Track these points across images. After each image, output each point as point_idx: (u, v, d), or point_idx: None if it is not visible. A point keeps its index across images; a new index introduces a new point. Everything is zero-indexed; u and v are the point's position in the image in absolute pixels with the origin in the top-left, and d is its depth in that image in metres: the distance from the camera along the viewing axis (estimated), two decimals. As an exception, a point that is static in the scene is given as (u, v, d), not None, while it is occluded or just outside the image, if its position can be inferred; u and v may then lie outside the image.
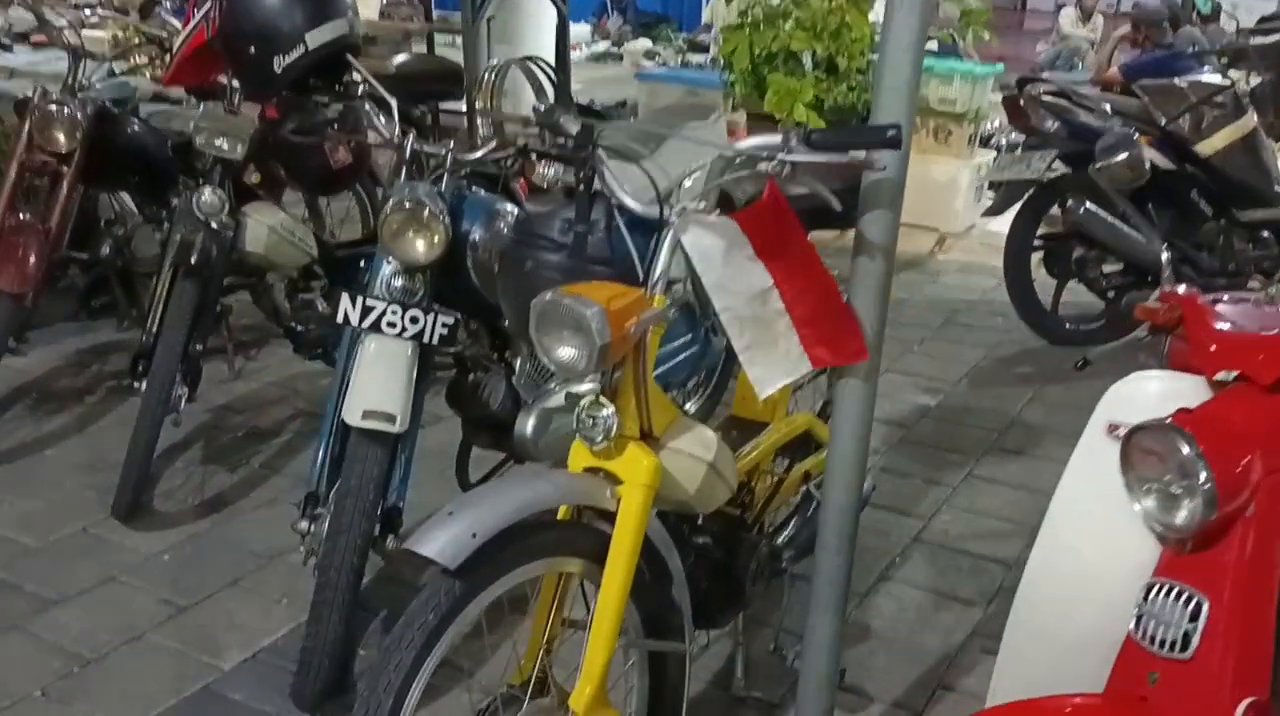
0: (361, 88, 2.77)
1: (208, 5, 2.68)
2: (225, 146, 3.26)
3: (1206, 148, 4.89)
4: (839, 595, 2.26)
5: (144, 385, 3.35)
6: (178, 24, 3.56)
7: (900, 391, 4.57)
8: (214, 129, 3.24)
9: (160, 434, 3.27)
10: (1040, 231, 5.23)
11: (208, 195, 3.29)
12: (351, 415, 2.38)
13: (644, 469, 2.01)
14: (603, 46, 14.52)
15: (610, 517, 2.03)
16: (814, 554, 2.30)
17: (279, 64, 2.70)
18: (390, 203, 2.59)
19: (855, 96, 6.81)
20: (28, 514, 3.40)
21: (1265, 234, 5.18)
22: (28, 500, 3.48)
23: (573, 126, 2.19)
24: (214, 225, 3.30)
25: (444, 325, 2.53)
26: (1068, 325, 5.21)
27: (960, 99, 6.61)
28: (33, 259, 3.54)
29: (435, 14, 8.77)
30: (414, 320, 2.52)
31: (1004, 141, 5.21)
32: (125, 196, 4.33)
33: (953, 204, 6.75)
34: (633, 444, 2.03)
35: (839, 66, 6.76)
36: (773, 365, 2.07)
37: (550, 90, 7.93)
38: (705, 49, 14.01)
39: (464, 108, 4.36)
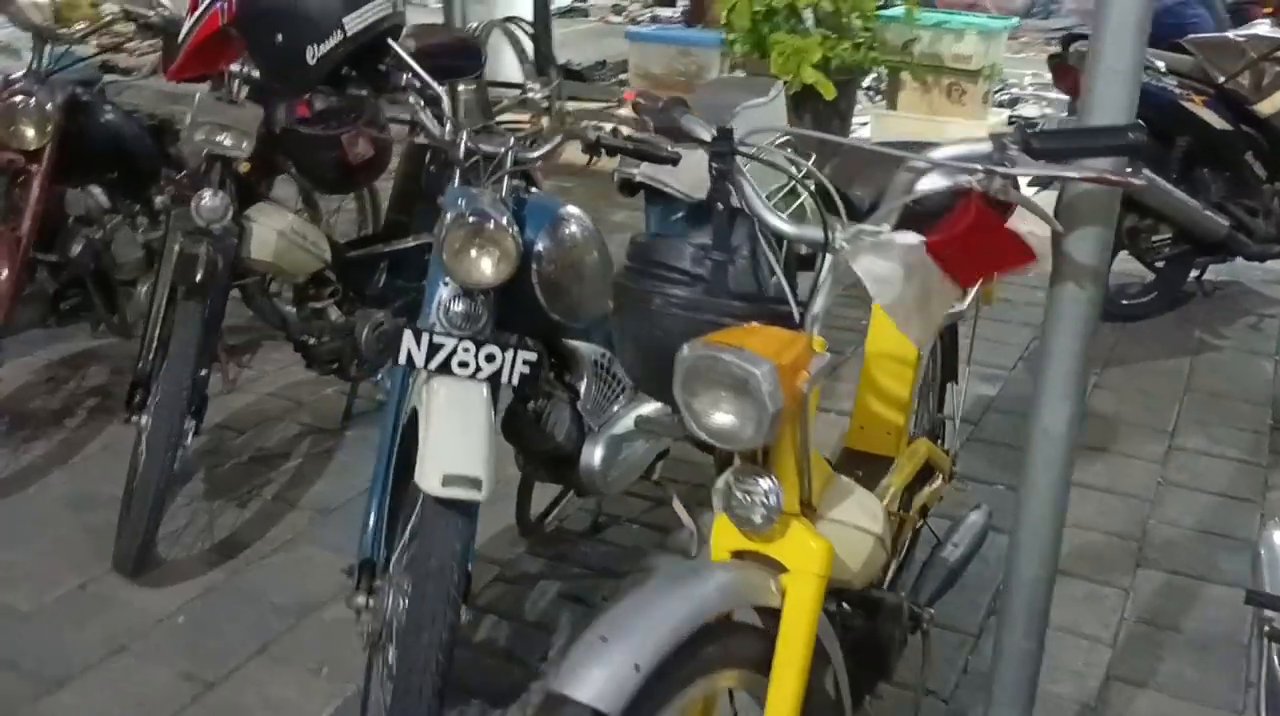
0: (405, 77, 2.33)
1: None
2: (229, 143, 2.82)
3: (1267, 106, 4.56)
4: (1027, 688, 1.90)
5: (144, 419, 2.93)
6: (168, 3, 3.09)
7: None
8: (215, 123, 2.79)
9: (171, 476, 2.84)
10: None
11: (209, 199, 2.85)
12: (429, 481, 1.98)
13: (814, 555, 1.65)
14: (567, 1, 13.98)
15: (769, 613, 1.66)
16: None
17: (313, 54, 2.27)
18: (449, 216, 2.18)
19: (862, 54, 6.43)
20: (13, 567, 2.97)
21: (1321, 196, 4.87)
22: (11, 550, 3.04)
23: (703, 130, 1.79)
24: (216, 232, 2.86)
25: (525, 363, 2.13)
26: (1122, 300, 4.88)
27: (976, 55, 6.23)
28: (4, 273, 3.08)
29: (399, -29, 8.22)
30: (490, 358, 2.12)
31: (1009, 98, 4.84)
32: (96, 190, 3.85)
33: (969, 166, 6.38)
34: (795, 522, 1.66)
35: (843, 22, 6.37)
36: (928, 315, 1.67)
37: (530, 51, 7.52)
38: (672, 2, 13.52)
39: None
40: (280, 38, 2.26)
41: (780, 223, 1.72)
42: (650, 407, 2.82)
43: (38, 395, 3.90)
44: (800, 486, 1.68)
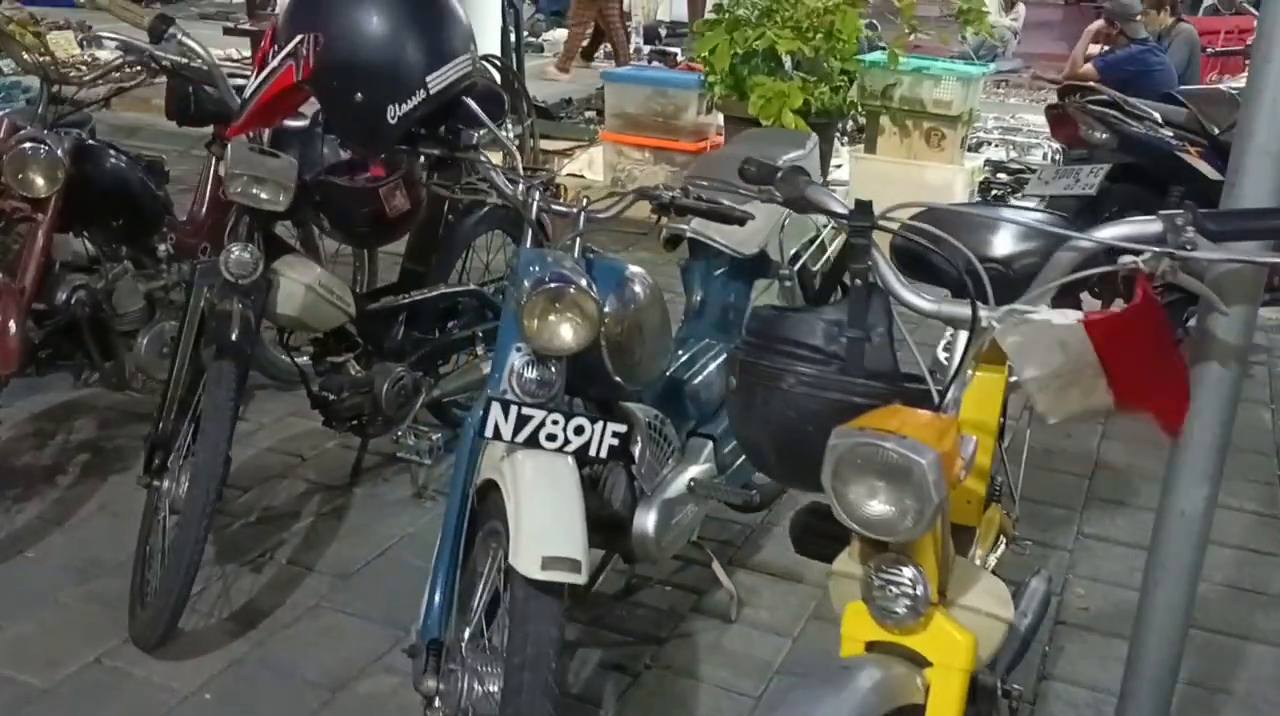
0: (477, 136, 2.24)
1: (297, 40, 2.13)
2: (266, 196, 2.69)
3: (1261, 158, 4.61)
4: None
5: (165, 483, 2.78)
6: (198, 48, 2.96)
7: (966, 431, 4.19)
8: (251, 176, 2.67)
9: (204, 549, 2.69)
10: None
11: (239, 253, 2.72)
12: (527, 564, 1.87)
13: (959, 648, 1.58)
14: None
15: (911, 710, 1.59)
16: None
17: (394, 113, 2.16)
18: (527, 282, 2.08)
19: (840, 98, 6.45)
20: (22, 641, 2.80)
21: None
22: (17, 621, 2.87)
23: (835, 203, 1.72)
24: (245, 287, 2.74)
25: (614, 435, 2.03)
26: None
27: (955, 100, 6.27)
28: (12, 329, 2.93)
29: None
30: (579, 431, 2.02)
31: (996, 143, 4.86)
32: (88, 235, 3.69)
33: (947, 210, 6.40)
34: (938, 614, 1.59)
35: (822, 67, 6.38)
36: (1067, 397, 1.62)
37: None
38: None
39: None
40: (360, 96, 2.15)
41: (919, 299, 1.66)
42: (700, 469, 2.75)
43: (25, 450, 3.72)
44: (939, 574, 1.61)
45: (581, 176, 7.45)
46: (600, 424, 2.02)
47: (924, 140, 6.43)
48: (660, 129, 6.90)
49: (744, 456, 2.94)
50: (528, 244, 2.24)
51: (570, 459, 2.05)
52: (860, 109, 6.61)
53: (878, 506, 1.48)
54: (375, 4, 2.18)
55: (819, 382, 1.63)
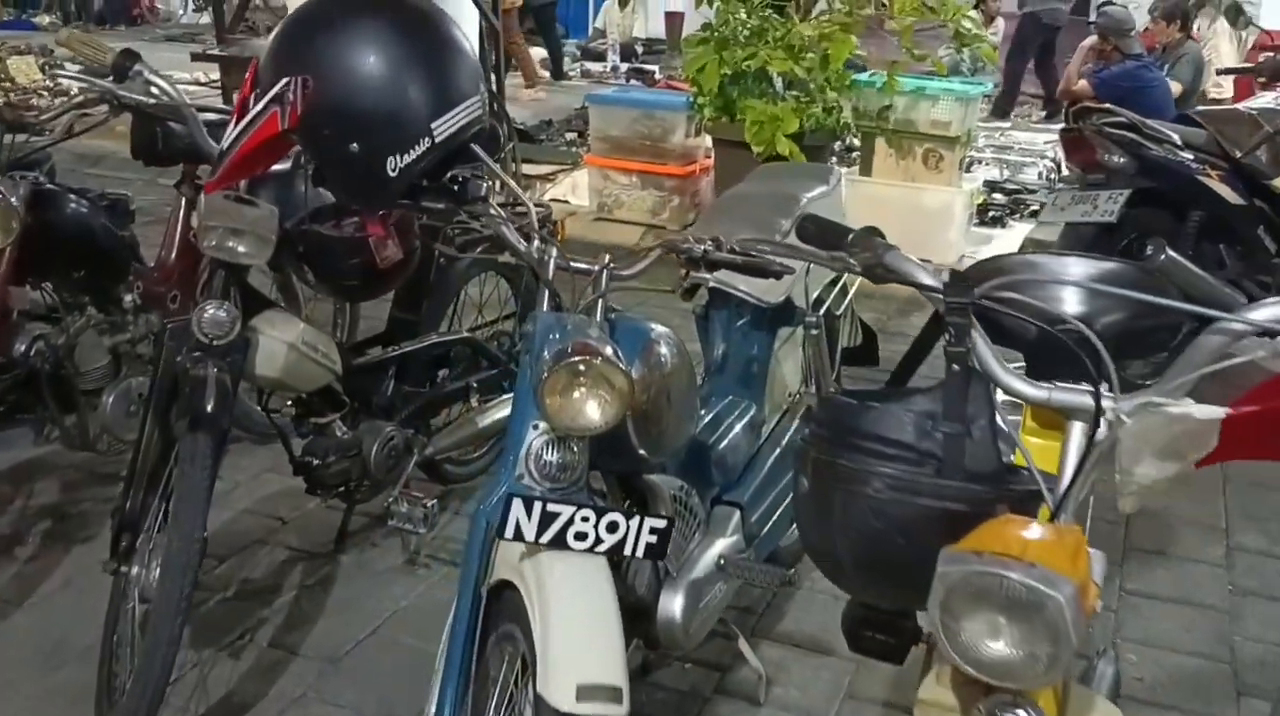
0: (485, 186, 1.97)
1: (282, 84, 1.85)
2: (244, 249, 2.42)
3: (1283, 182, 4.42)
4: None
5: (134, 568, 2.50)
6: (165, 85, 2.69)
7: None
8: (228, 228, 2.39)
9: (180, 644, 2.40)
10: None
11: (214, 311, 2.45)
12: (559, 695, 1.60)
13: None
14: (490, 55, 13.68)
15: None
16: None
17: (394, 165, 1.90)
18: (547, 353, 1.82)
19: (834, 120, 6.22)
20: (-25, 746, 2.52)
21: (1331, 271, 4.75)
22: (-29, 721, 2.58)
23: (925, 275, 1.47)
24: (222, 349, 2.46)
25: (653, 531, 1.77)
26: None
27: (953, 121, 6.05)
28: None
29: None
30: (612, 528, 1.76)
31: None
32: (48, 287, 3.41)
33: (946, 233, 6.19)
34: (1059, 760, 1.34)
35: (813, 88, 6.16)
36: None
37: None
38: (601, 57, 13.32)
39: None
40: (356, 147, 1.88)
41: (1026, 385, 1.41)
42: (728, 543, 2.50)
43: (-21, 519, 3.42)
44: (1060, 712, 1.37)
45: (566, 201, 7.20)
46: (637, 520, 1.76)
47: (921, 162, 6.21)
48: (647, 152, 6.66)
49: (771, 524, 2.70)
50: (544, 307, 1.98)
51: (602, 560, 1.79)
52: (855, 131, 6.39)
53: (1000, 648, 1.23)
54: (373, 42, 1.92)
55: (912, 487, 1.38)
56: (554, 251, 1.98)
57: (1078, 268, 1.89)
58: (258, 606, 3.05)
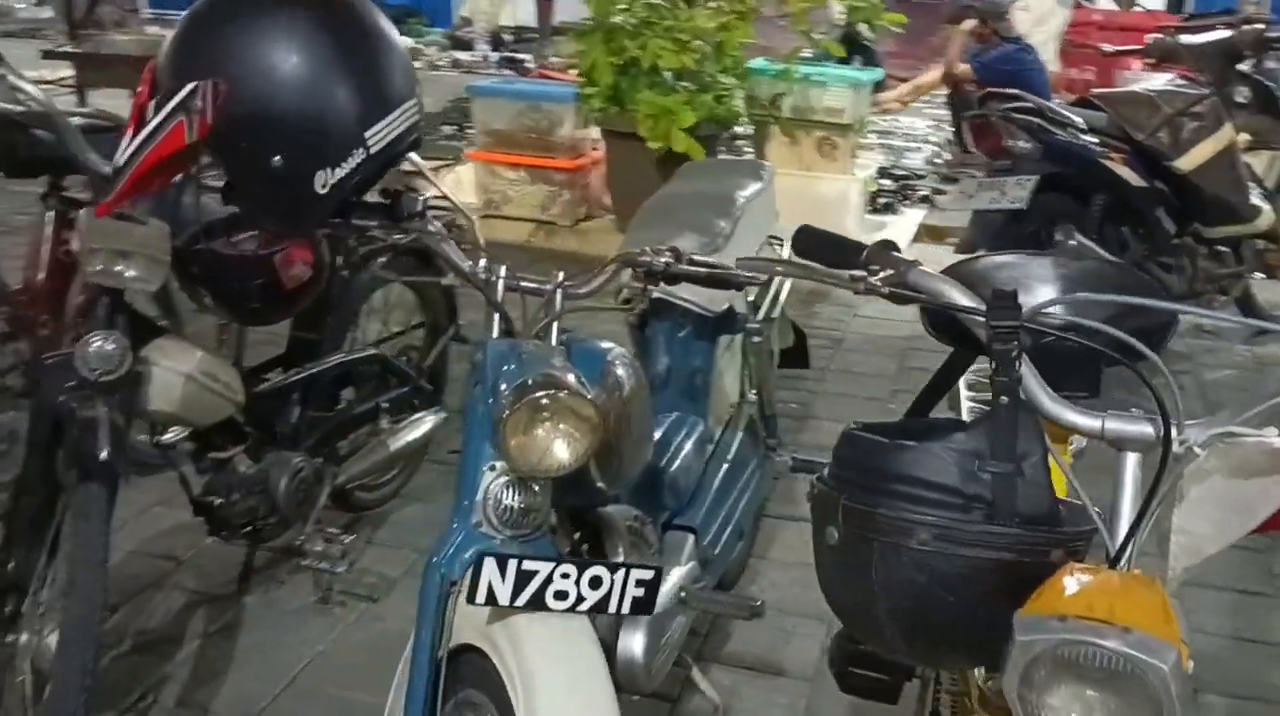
0: (421, 202, 1.74)
1: (189, 88, 1.59)
2: (135, 274, 2.15)
3: (1186, 162, 4.45)
4: None
5: (22, 637, 2.21)
6: (32, 89, 2.38)
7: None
8: (114, 250, 2.12)
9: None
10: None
11: (100, 344, 2.18)
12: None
13: None
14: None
15: None
16: None
17: (324, 181, 1.65)
18: (505, 387, 1.62)
19: (725, 108, 6.09)
20: None
21: (1223, 249, 4.81)
22: None
23: (963, 296, 1.31)
24: (110, 385, 2.19)
25: (639, 584, 1.58)
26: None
27: (847, 108, 5.98)
28: None
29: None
30: (595, 583, 1.57)
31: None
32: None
33: (843, 222, 6.11)
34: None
35: (705, 78, 6.01)
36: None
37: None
38: (469, 46, 12.99)
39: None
40: (279, 160, 1.63)
41: (1078, 416, 1.26)
42: (683, 572, 2.32)
43: None
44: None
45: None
46: (622, 573, 1.57)
47: (816, 150, 6.13)
48: (534, 146, 6.43)
49: (722, 545, 2.54)
50: (494, 334, 1.78)
51: (584, 619, 1.59)
52: (747, 119, 6.27)
53: (1090, 722, 1.08)
54: (295, 37, 1.66)
55: (960, 536, 1.22)
56: (502, 270, 1.78)
57: (1065, 269, 1.77)
58: (158, 660, 2.77)
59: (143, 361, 2.31)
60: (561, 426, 1.63)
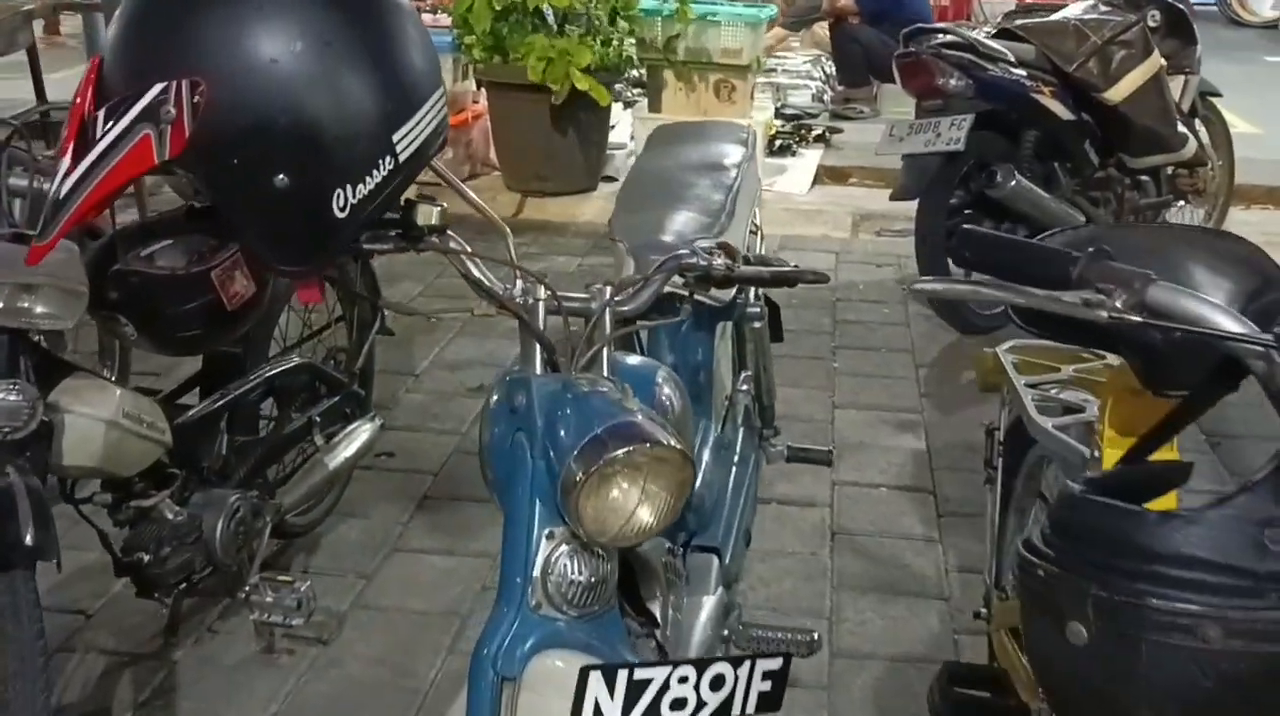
0: (438, 213, 1.37)
1: (156, 92, 1.17)
2: (44, 310, 1.73)
3: (1115, 93, 4.30)
4: None
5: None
6: None
7: (878, 435, 3.66)
8: (17, 284, 1.70)
9: None
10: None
11: (5, 393, 1.77)
12: None
13: None
14: None
15: None
16: None
17: (343, 201, 1.25)
18: (571, 441, 1.30)
19: (615, 53, 5.74)
20: None
21: (1144, 179, 4.72)
22: None
23: (1220, 316, 1.03)
24: (19, 442, 1.79)
25: (766, 676, 1.28)
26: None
27: (744, 48, 5.70)
28: None
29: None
30: (717, 684, 1.26)
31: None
32: None
33: (745, 167, 5.85)
34: None
35: (593, 22, 5.64)
36: None
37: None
38: None
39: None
40: (283, 180, 1.23)
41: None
42: (714, 601, 2.04)
43: None
44: None
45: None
46: (746, 667, 1.27)
47: (713, 93, 5.84)
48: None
49: (735, 558, 2.27)
50: (537, 368, 1.44)
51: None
52: (640, 64, 5.93)
53: None
54: (297, 19, 1.25)
55: (1260, 629, 0.96)
56: (542, 292, 1.44)
57: (1189, 244, 1.53)
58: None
59: (53, 408, 1.90)
60: (647, 485, 1.32)
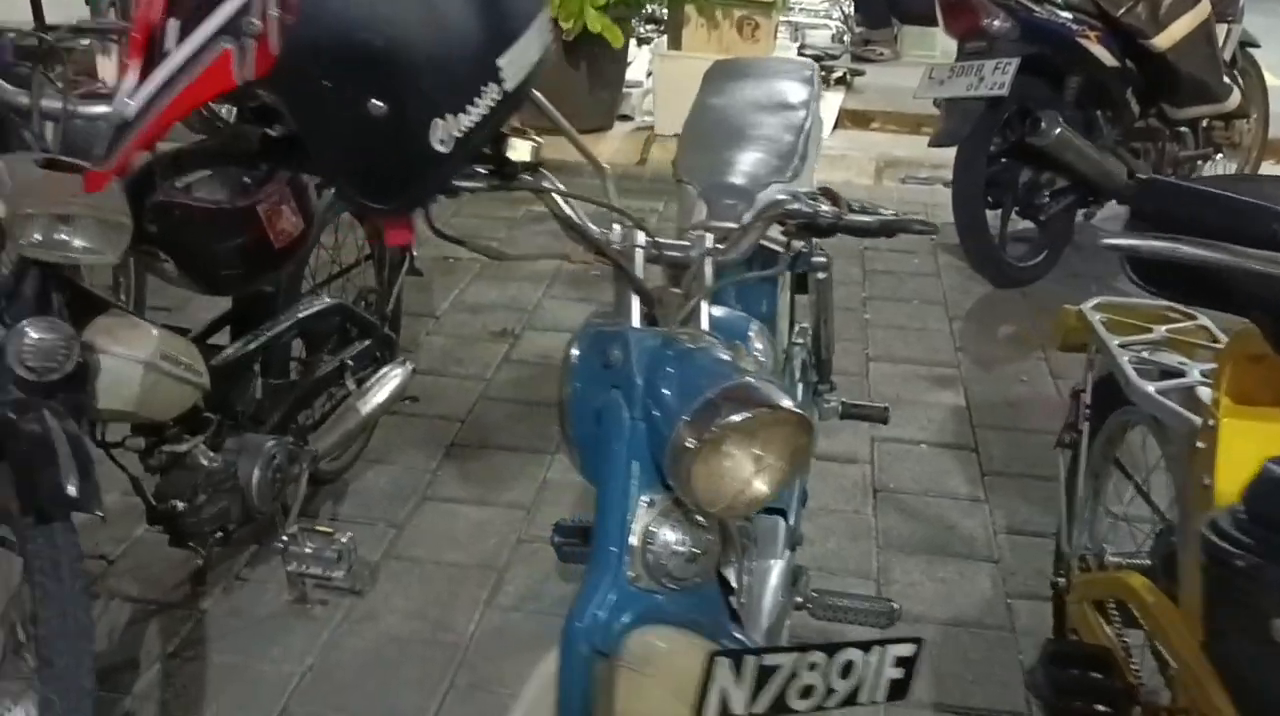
0: (534, 149, 1.24)
1: (237, 5, 1.03)
2: (85, 244, 1.61)
3: (1164, 40, 4.16)
4: None
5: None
6: None
7: (915, 390, 3.56)
8: (54, 214, 1.57)
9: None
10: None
11: (40, 334, 1.65)
12: None
13: None
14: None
15: None
16: None
17: (444, 134, 1.11)
18: (680, 402, 1.20)
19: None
20: None
21: (1184, 130, 4.59)
22: None
23: None
24: (55, 382, 1.67)
25: (899, 662, 1.18)
26: (1019, 263, 4.38)
27: (770, -16, 5.53)
28: None
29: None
30: (846, 671, 1.15)
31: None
32: None
33: (767, 110, 5.70)
34: None
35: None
36: None
37: None
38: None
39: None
40: (379, 105, 1.10)
41: None
42: (781, 566, 1.95)
43: None
44: None
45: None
46: (877, 653, 1.17)
47: (736, 31, 5.66)
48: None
49: (797, 518, 2.17)
50: (635, 321, 1.33)
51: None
52: (660, 2, 5.77)
53: None
54: None
55: None
56: (641, 237, 1.32)
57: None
58: (112, 692, 2.27)
59: (87, 349, 1.78)
60: (762, 452, 1.22)
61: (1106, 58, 4.15)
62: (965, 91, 4.01)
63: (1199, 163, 4.68)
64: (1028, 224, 4.43)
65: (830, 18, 7.58)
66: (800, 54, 6.67)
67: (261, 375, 2.36)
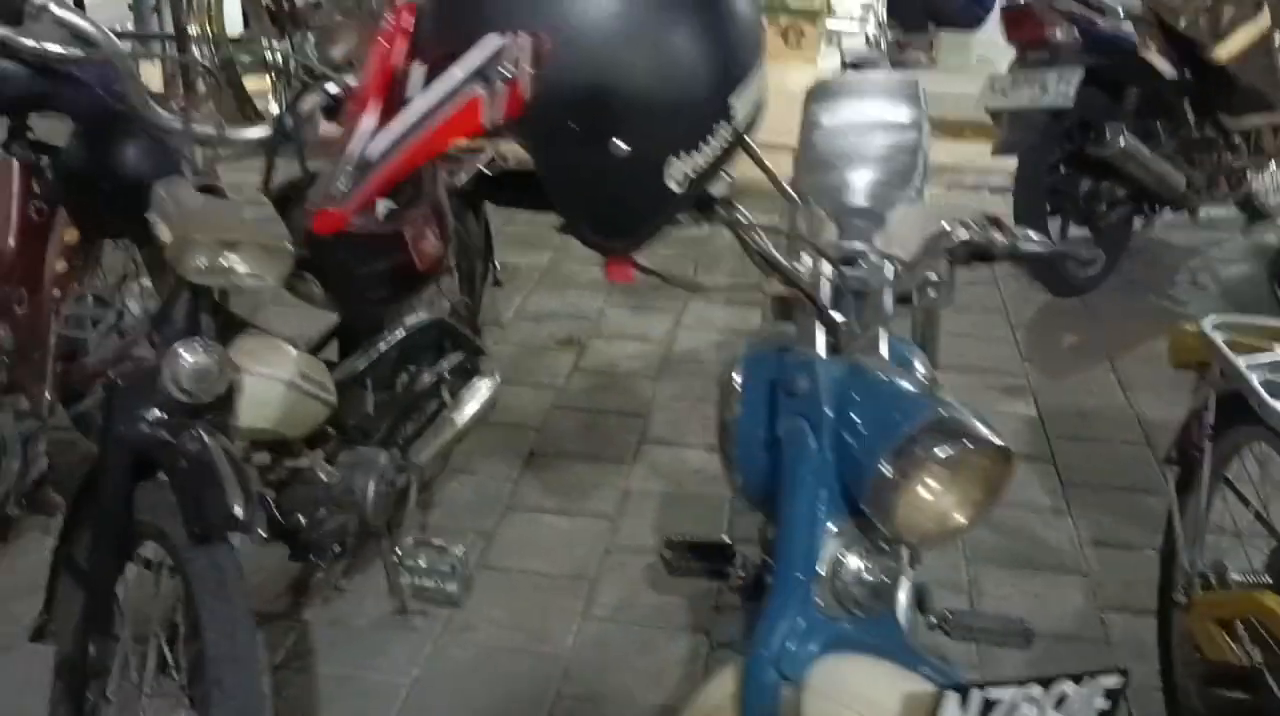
0: (729, 184, 1.26)
1: (492, 46, 1.03)
2: (248, 270, 1.63)
3: (1223, 51, 4.18)
4: None
5: None
6: (90, 28, 1.75)
7: (986, 400, 3.57)
8: (219, 239, 1.59)
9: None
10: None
11: (195, 358, 1.67)
12: None
13: None
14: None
15: None
16: None
17: (680, 173, 1.12)
18: (865, 430, 1.22)
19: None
20: None
21: (1238, 140, 4.61)
22: None
23: None
24: (206, 403, 1.70)
25: (1108, 695, 1.19)
26: (1078, 273, 4.39)
27: (817, -8, 5.55)
28: None
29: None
30: (1060, 703, 1.17)
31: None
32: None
33: (812, 117, 5.72)
34: None
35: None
36: None
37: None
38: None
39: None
40: (623, 146, 1.10)
41: None
42: (908, 587, 1.96)
43: None
44: None
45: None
46: (1089, 682, 1.19)
47: (781, 39, 5.69)
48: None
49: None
50: (821, 350, 1.35)
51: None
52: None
53: None
54: None
55: None
56: (827, 268, 1.35)
57: None
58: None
59: (236, 369, 1.80)
60: (964, 486, 1.24)
61: (1167, 69, 4.17)
62: (1028, 103, 4.03)
63: (1251, 172, 4.70)
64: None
65: (865, 24, 7.58)
66: (844, 64, 6.67)
67: (372, 390, 2.38)
